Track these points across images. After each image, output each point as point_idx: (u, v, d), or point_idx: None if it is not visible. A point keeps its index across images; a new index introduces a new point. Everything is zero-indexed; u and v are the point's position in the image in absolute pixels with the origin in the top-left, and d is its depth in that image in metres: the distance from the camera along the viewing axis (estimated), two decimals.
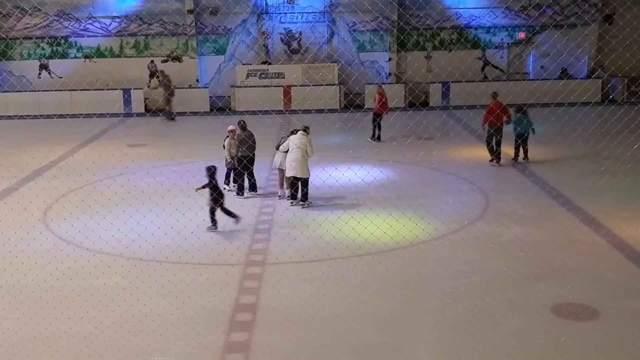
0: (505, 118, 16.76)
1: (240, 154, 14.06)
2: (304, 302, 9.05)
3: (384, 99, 20.20)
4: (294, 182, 13.79)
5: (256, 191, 14.54)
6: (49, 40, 28.00)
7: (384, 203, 13.02)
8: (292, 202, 13.78)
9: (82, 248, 11.24)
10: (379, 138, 20.14)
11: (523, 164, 16.95)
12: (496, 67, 28.58)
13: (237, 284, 9.76)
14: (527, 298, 9.12)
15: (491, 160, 16.96)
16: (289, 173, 13.65)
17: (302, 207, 13.50)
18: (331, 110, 25.12)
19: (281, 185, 14.49)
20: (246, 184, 14.51)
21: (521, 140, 16.92)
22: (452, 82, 26.71)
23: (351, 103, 25.47)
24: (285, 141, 13.95)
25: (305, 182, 13.60)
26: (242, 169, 14.00)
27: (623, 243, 11.08)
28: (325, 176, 13.18)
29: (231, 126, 14.55)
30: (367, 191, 14.17)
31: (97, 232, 11.45)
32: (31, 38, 27.68)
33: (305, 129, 13.84)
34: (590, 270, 10.11)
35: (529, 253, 10.73)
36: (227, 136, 14.33)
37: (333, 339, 8.13)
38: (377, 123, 20.16)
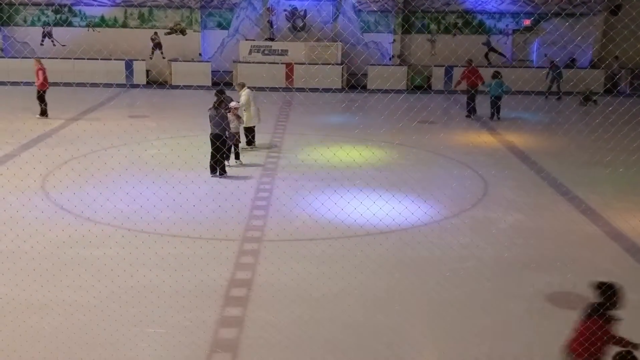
0: (479, 81, 20.66)
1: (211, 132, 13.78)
2: (303, 280, 9.08)
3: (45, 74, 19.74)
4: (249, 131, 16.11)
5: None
6: (56, 8, 27.75)
7: (386, 185, 13.03)
8: (249, 148, 16.09)
9: (83, 217, 11.25)
10: (44, 113, 19.72)
11: (496, 122, 20.40)
12: (501, 54, 28.39)
13: (237, 259, 9.79)
14: (523, 285, 9.17)
15: (467, 116, 21.01)
16: (256, 123, 16.08)
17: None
18: (335, 90, 24.99)
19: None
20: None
21: (496, 100, 20.48)
22: (458, 66, 26.45)
23: (358, 83, 25.36)
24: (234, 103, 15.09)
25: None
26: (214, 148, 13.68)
27: (621, 234, 11.12)
28: (330, 155, 13.18)
29: (233, 103, 14.57)
30: (371, 172, 14.13)
31: (99, 202, 11.47)
32: (40, 4, 27.43)
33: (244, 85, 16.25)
34: (587, 260, 10.16)
35: (527, 240, 10.77)
36: (229, 111, 14.34)
37: (329, 317, 8.18)
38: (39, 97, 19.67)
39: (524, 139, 18.26)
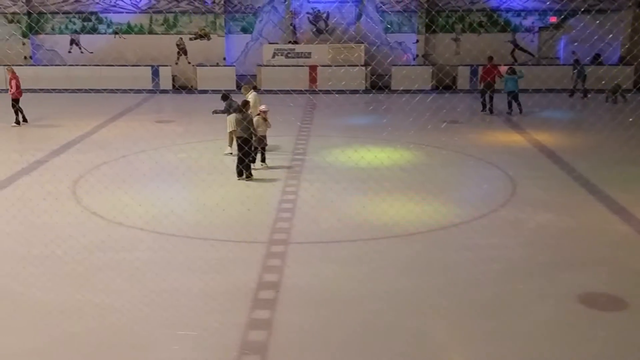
0: (497, 76, 21.34)
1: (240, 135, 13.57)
2: (330, 282, 9.10)
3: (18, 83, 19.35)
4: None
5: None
6: (87, 15, 28.17)
7: (416, 186, 12.98)
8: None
9: (115, 222, 11.40)
10: (25, 120, 19.54)
11: (519, 117, 20.72)
12: (526, 52, 28.09)
13: (264, 261, 9.84)
14: (555, 286, 9.04)
15: (490, 111, 21.32)
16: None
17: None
18: (363, 92, 24.96)
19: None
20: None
21: (512, 97, 20.96)
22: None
23: (386, 85, 25.31)
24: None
25: None
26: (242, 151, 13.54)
27: None
28: (357, 157, 13.17)
29: (263, 106, 14.66)
30: (400, 174, 14.10)
31: (131, 206, 11.62)
32: (70, 13, 27.91)
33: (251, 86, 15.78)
34: (619, 260, 9.98)
35: (558, 241, 10.64)
36: (258, 114, 14.43)
37: (357, 319, 8.16)
38: (17, 108, 19.33)
39: (553, 138, 18.04)
